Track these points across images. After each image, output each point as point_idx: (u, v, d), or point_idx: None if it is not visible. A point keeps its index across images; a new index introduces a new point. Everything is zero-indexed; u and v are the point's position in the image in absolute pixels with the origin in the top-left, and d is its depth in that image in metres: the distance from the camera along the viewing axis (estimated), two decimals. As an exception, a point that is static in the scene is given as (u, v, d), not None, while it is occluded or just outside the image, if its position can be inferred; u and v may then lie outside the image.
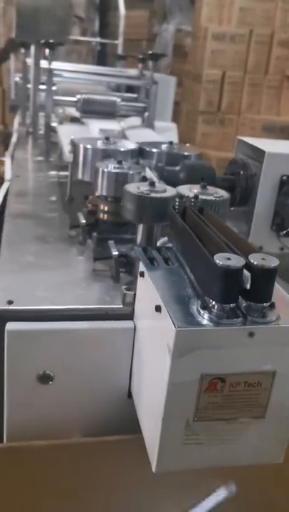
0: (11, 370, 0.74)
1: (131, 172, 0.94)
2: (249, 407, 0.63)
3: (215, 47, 3.66)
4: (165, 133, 1.73)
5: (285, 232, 0.96)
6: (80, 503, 0.76)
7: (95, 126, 1.50)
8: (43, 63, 1.89)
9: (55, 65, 1.79)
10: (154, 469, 0.65)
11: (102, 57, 4.39)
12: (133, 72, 2.34)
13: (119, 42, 3.13)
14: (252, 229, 0.97)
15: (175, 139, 1.77)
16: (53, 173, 1.58)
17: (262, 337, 0.59)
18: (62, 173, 1.57)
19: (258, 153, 0.95)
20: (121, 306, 0.78)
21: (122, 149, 1.08)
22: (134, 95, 2.16)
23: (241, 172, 0.98)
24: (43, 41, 1.70)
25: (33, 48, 1.95)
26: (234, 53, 3.71)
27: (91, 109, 1.67)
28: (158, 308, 0.63)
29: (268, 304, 0.60)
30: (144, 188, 0.82)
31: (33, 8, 1.83)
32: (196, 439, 0.64)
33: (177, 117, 3.46)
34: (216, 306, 0.59)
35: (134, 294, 0.77)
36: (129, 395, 0.79)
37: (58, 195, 1.35)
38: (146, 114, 1.76)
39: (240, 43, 3.68)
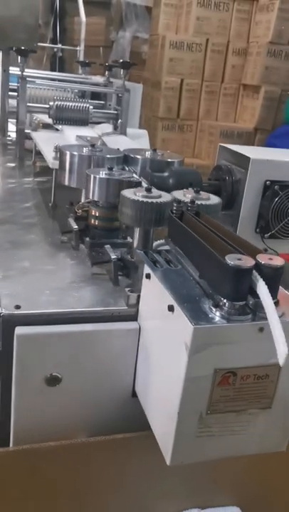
0: (19, 373, 0.75)
1: (122, 178, 0.97)
2: (258, 399, 0.67)
3: (173, 55, 3.73)
4: (137, 139, 1.77)
5: (268, 234, 1.01)
6: (92, 501, 0.78)
7: (71, 133, 1.51)
8: (13, 69, 1.89)
9: (27, 71, 1.79)
10: (168, 463, 0.67)
11: (61, 63, 4.39)
12: (97, 78, 2.37)
13: (81, 48, 3.15)
14: (237, 232, 1.02)
15: (147, 145, 1.82)
16: (29, 179, 1.58)
17: (270, 332, 0.63)
18: (38, 179, 1.58)
19: (243, 160, 1.00)
20: (126, 307, 0.80)
21: (109, 156, 1.10)
22: (102, 102, 2.19)
23: (227, 178, 1.03)
24: (15, 48, 1.70)
25: (0, 55, 1.95)
26: (191, 61, 3.80)
27: (64, 116, 1.69)
28: (171, 308, 0.66)
29: (274, 300, 0.65)
30: (140, 193, 0.85)
31: (2, 15, 1.82)
32: (208, 432, 0.67)
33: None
34: (226, 304, 0.63)
35: (138, 296, 0.80)
36: (133, 394, 0.82)
37: (38, 201, 1.35)
38: (120, 121, 1.79)
39: (197, 51, 3.77)
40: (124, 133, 1.81)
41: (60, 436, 0.77)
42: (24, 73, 1.72)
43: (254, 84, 3.73)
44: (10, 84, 1.98)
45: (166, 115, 3.85)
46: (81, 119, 1.70)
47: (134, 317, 0.80)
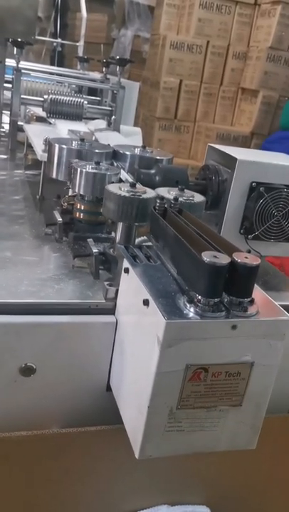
0: (-6, 362, 0.75)
1: (109, 173, 0.97)
2: (228, 396, 0.67)
3: (173, 55, 3.74)
4: (131, 137, 1.77)
5: (252, 235, 1.02)
6: (63, 492, 0.78)
7: (64, 127, 1.52)
8: (9, 61, 1.88)
9: (23, 63, 1.79)
10: (137, 456, 0.68)
11: (60, 58, 4.39)
12: (95, 75, 2.37)
13: (81, 44, 3.14)
14: (222, 232, 1.02)
15: (140, 143, 1.81)
16: (19, 171, 1.58)
17: (243, 329, 0.64)
18: (28, 172, 1.58)
19: (230, 160, 1.00)
20: (103, 301, 0.80)
21: (98, 151, 1.10)
22: (97, 98, 2.19)
23: (213, 177, 1.03)
24: (11, 40, 1.70)
25: (-2, 46, 1.94)
26: (191, 63, 3.80)
27: (58, 110, 1.69)
28: (146, 302, 0.66)
29: (248, 299, 0.65)
30: (125, 188, 0.85)
31: (1, 6, 1.82)
32: (178, 427, 0.67)
33: (134, 122, 3.52)
34: (201, 300, 0.63)
35: (117, 290, 0.80)
36: (108, 389, 0.82)
37: (27, 194, 1.35)
38: (114, 117, 1.80)
39: (198, 53, 3.77)
40: (117, 129, 1.81)
41: (33, 426, 0.77)
42: (19, 65, 1.72)
43: (252, 89, 3.74)
44: (6, 76, 1.98)
45: (163, 115, 3.85)
46: (75, 114, 1.71)
47: (111, 311, 0.80)
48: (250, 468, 0.88)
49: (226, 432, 0.70)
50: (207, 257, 0.62)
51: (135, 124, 3.47)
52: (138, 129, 2.01)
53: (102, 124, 1.83)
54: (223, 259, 0.62)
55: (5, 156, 1.77)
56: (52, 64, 4.09)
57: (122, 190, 0.84)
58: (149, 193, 0.85)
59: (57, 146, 1.09)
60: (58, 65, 3.86)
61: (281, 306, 0.69)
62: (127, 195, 0.82)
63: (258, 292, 0.70)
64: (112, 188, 0.85)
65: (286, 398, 0.94)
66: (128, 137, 1.74)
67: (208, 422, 0.68)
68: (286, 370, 0.91)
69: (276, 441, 0.91)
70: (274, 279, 1.06)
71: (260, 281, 1.02)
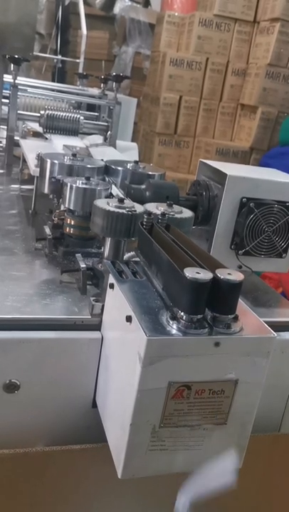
0: (-23, 378, 0.74)
1: (99, 188, 0.97)
2: (212, 414, 0.66)
3: (173, 72, 3.77)
4: (127, 152, 1.78)
5: (243, 251, 1.01)
6: (45, 511, 0.76)
7: (59, 142, 1.52)
8: (7, 77, 1.90)
9: (20, 79, 1.80)
10: (120, 476, 0.67)
11: (61, 74, 4.43)
12: (94, 91, 2.39)
13: (81, 61, 3.18)
14: (212, 247, 1.02)
15: (136, 158, 1.82)
16: (15, 186, 1.59)
17: (226, 347, 0.63)
18: (24, 186, 1.59)
19: (220, 176, 1.00)
20: (89, 316, 0.80)
21: (89, 166, 1.11)
22: (95, 114, 2.21)
23: (204, 193, 1.03)
24: (8, 56, 1.72)
25: (-4, 62, 1.96)
26: (191, 79, 3.83)
27: (54, 125, 1.70)
28: (129, 319, 0.65)
29: (232, 315, 0.65)
30: (113, 203, 0.85)
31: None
32: (161, 446, 0.66)
33: (134, 137, 3.54)
34: (184, 317, 0.63)
35: (102, 306, 0.79)
36: (94, 405, 0.81)
37: (21, 208, 1.36)
38: (109, 133, 1.81)
39: (197, 69, 3.81)
40: (113, 145, 1.82)
41: (17, 444, 0.76)
42: (16, 81, 1.73)
43: (251, 105, 3.77)
44: (4, 91, 2.00)
45: (163, 130, 3.88)
46: (71, 129, 1.72)
47: (97, 327, 0.79)
48: (239, 487, 0.87)
49: (211, 451, 0.68)
50: (189, 272, 0.61)
51: (135, 139, 3.49)
52: (134, 144, 2.02)
53: (98, 139, 1.85)
54: (206, 275, 0.62)
55: (1, 171, 1.78)
56: (53, 80, 4.13)
57: (110, 205, 0.84)
58: (137, 209, 0.85)
59: (49, 161, 1.09)
60: (59, 81, 3.91)
61: (268, 322, 0.68)
62: (113, 210, 0.82)
63: (243, 309, 0.70)
64: (100, 203, 0.85)
65: (276, 417, 0.93)
66: (124, 152, 1.75)
67: (192, 441, 0.67)
68: (275, 389, 0.90)
69: (267, 460, 0.90)
70: (264, 296, 1.05)
71: (250, 297, 1.01)
